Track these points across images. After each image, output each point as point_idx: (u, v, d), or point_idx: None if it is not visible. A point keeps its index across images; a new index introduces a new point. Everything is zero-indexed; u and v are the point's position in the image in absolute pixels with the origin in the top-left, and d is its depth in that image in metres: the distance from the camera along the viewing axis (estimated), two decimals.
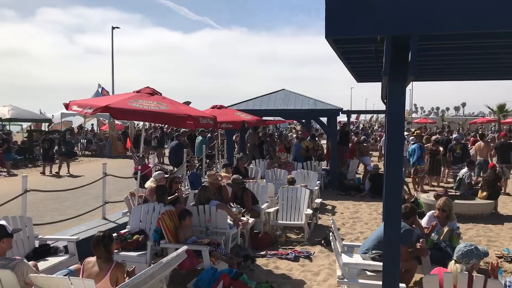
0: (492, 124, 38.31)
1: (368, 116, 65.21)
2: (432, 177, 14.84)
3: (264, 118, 19.59)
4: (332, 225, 6.09)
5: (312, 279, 6.39)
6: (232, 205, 7.97)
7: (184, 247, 4.52)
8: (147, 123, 27.84)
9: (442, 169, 15.25)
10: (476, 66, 6.50)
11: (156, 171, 9.28)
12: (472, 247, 4.17)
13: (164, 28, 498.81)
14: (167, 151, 19.49)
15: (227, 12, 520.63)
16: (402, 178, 4.47)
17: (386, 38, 3.33)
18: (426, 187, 13.98)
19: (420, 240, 5.74)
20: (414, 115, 76.45)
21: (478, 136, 17.25)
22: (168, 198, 7.29)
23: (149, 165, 11.46)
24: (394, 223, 3.58)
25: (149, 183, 7.96)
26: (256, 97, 15.76)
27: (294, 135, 24.88)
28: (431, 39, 4.40)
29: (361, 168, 17.00)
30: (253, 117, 11.86)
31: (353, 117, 42.96)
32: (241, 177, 8.63)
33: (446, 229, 6.38)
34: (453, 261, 4.16)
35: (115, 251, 6.00)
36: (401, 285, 4.49)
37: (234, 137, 18.41)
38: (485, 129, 36.81)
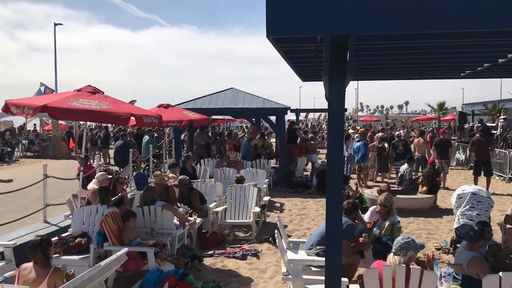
0: (433, 121, 39.92)
1: (317, 114, 66.47)
2: (378, 173, 15.35)
3: (214, 116, 19.53)
4: (278, 222, 6.16)
5: (259, 277, 6.43)
6: (180, 205, 7.88)
7: (124, 249, 4.41)
8: (93, 123, 27.08)
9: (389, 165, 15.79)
10: (415, 66, 6.74)
11: (100, 171, 9.03)
12: (409, 239, 4.34)
13: (111, 25, 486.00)
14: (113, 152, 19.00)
15: (176, 10, 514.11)
16: (343, 174, 4.59)
17: (325, 38, 3.38)
18: (371, 183, 14.41)
19: (363, 235, 5.91)
20: (360, 113, 78.70)
21: (418, 133, 18.00)
22: (112, 199, 7.11)
23: (93, 166, 11.13)
24: (336, 218, 3.65)
25: (92, 185, 7.74)
26: (205, 96, 15.68)
27: (242, 134, 24.94)
28: (371, 39, 4.50)
29: (309, 166, 17.29)
30: (201, 116, 11.77)
31: (303, 115, 43.70)
32: (188, 178, 8.54)
33: (387, 223, 6.60)
34: (391, 253, 4.31)
35: (56, 255, 5.81)
36: (344, 279, 4.60)
37: (183, 137, 18.22)
38: (426, 126, 38.41)
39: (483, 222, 6.02)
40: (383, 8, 2.92)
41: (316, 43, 4.27)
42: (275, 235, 5.53)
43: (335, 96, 3.62)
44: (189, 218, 7.54)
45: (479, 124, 21.77)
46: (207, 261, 7.10)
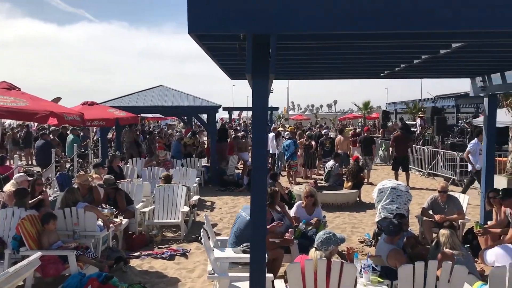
0: (359, 120, 41.60)
1: (250, 113, 66.98)
2: (307, 170, 15.74)
3: (144, 115, 19.05)
4: (205, 221, 6.13)
5: (187, 276, 6.38)
6: (105, 206, 7.62)
7: (37, 254, 4.20)
8: (14, 122, 25.50)
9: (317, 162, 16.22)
10: (337, 66, 6.95)
11: (19, 172, 8.52)
12: (330, 234, 4.48)
13: (35, 19, 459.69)
14: None
15: (105, 5, 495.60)
16: (267, 170, 4.63)
17: (248, 36, 3.40)
18: (300, 180, 14.74)
19: (289, 230, 6.03)
20: (291, 112, 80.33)
21: (338, 131, 18.68)
22: (30, 201, 6.74)
23: (12, 167, 10.48)
24: (260, 214, 3.69)
25: (9, 186, 7.28)
26: (132, 93, 15.27)
27: (170, 132, 24.61)
28: (293, 39, 4.59)
29: (241, 164, 17.36)
30: (128, 113, 11.47)
31: (236, 114, 43.84)
32: (113, 177, 8.28)
33: (315, 219, 6.78)
34: (313, 249, 4.42)
35: None
36: (268, 274, 4.67)
37: (110, 135, 17.63)
38: (353, 124, 39.91)
39: (401, 214, 6.36)
40: (303, 8, 2.98)
41: (239, 41, 4.28)
42: (201, 234, 5.50)
43: (259, 95, 3.66)
44: (115, 219, 7.31)
45: (400, 122, 22.94)
46: (133, 262, 6.92)
